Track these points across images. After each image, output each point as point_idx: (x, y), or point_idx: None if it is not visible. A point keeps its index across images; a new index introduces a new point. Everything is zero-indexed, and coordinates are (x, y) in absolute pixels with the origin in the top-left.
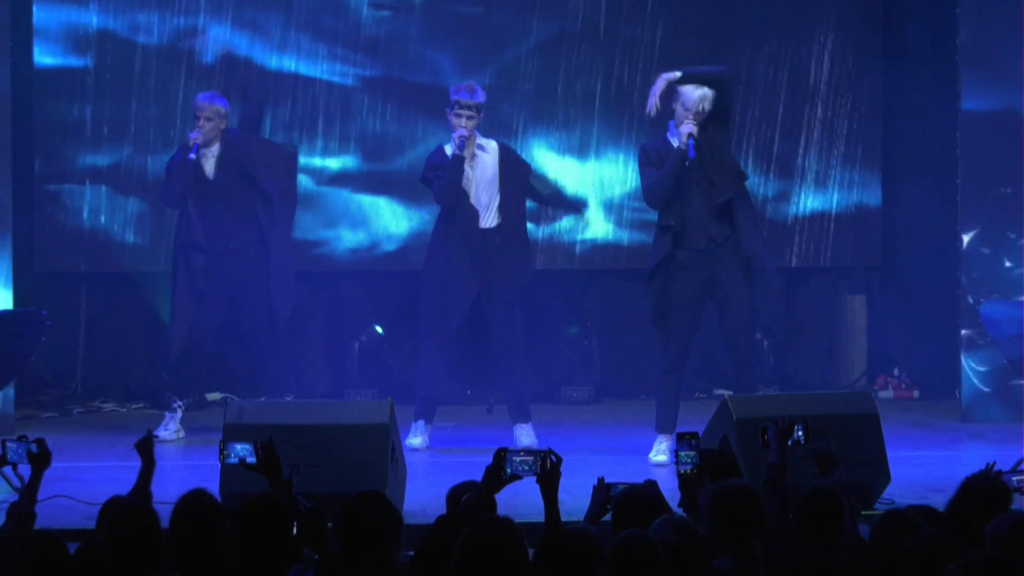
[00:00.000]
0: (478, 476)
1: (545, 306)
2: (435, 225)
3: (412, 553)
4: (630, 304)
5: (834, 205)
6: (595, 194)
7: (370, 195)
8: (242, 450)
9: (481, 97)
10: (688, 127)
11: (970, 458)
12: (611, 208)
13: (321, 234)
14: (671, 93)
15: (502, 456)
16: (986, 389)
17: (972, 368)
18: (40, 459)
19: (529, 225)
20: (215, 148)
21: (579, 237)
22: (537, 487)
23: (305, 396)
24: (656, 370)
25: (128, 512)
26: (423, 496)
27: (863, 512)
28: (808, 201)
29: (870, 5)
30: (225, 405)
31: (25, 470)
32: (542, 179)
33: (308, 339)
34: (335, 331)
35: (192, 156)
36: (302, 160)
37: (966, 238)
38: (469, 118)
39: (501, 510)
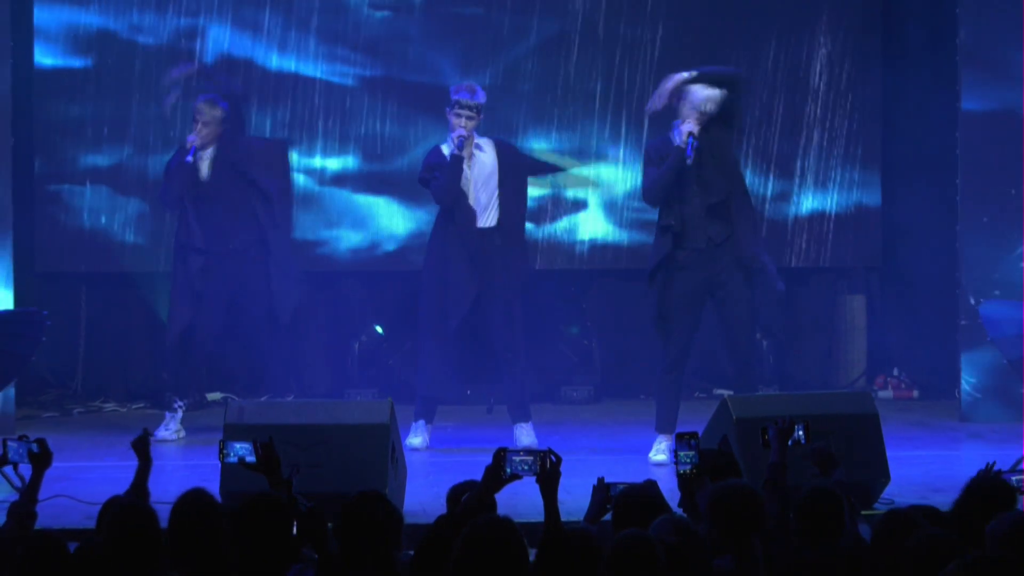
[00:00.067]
0: (478, 476)
1: (545, 306)
2: (434, 225)
3: (412, 553)
4: (630, 304)
5: (834, 205)
6: (595, 194)
7: (370, 195)
8: (241, 449)
9: (481, 98)
10: (689, 126)
11: (969, 458)
12: (611, 208)
13: (321, 234)
14: (679, 92)
15: (502, 456)
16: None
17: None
18: (41, 459)
19: (529, 225)
20: (210, 150)
21: (579, 237)
22: (537, 487)
23: (305, 396)
24: (656, 370)
25: (127, 512)
26: (423, 496)
27: (863, 512)
28: (808, 201)
29: (870, 5)
30: (225, 405)
31: (26, 470)
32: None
33: (308, 339)
34: (335, 331)
35: (189, 159)
36: (303, 160)
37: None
38: (469, 118)
39: (501, 510)
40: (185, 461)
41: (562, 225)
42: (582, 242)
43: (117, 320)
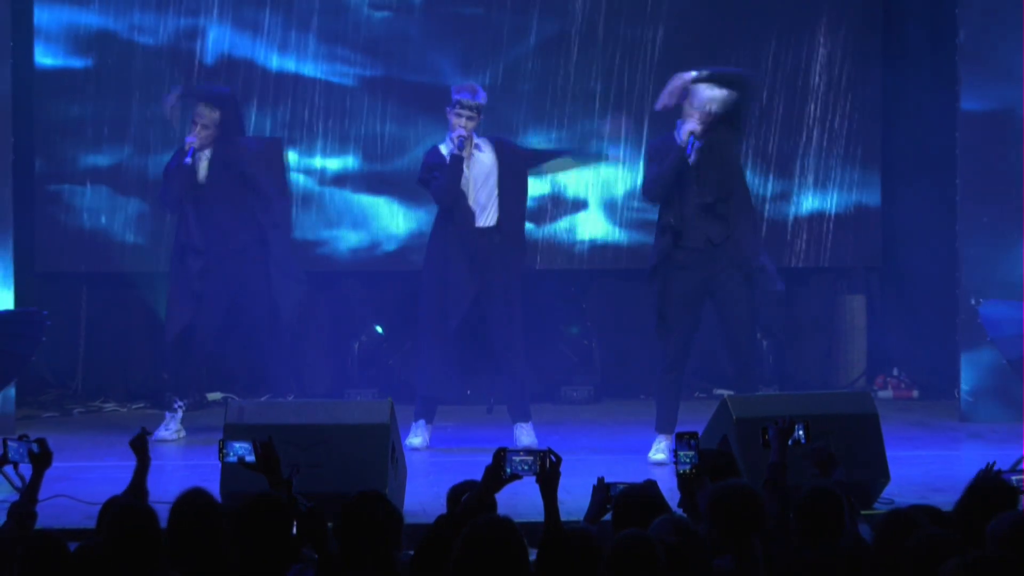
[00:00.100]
0: (478, 476)
1: (545, 306)
2: (433, 225)
3: (412, 553)
4: (630, 304)
5: (834, 205)
6: (595, 194)
7: (370, 195)
8: (241, 448)
9: (482, 99)
10: (691, 125)
11: (969, 458)
12: (611, 208)
13: (321, 234)
14: (686, 90)
15: (502, 456)
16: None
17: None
18: (41, 459)
19: (529, 225)
20: (208, 151)
21: (579, 237)
22: (537, 487)
23: (305, 396)
24: (656, 370)
25: (127, 512)
26: (423, 496)
27: (862, 512)
28: (808, 201)
29: (870, 5)
30: (226, 405)
31: (26, 469)
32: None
33: (308, 339)
34: (335, 331)
35: (187, 161)
36: (303, 160)
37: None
38: (469, 118)
39: (501, 510)
40: (185, 461)
41: (562, 225)
42: (582, 242)
43: (117, 320)
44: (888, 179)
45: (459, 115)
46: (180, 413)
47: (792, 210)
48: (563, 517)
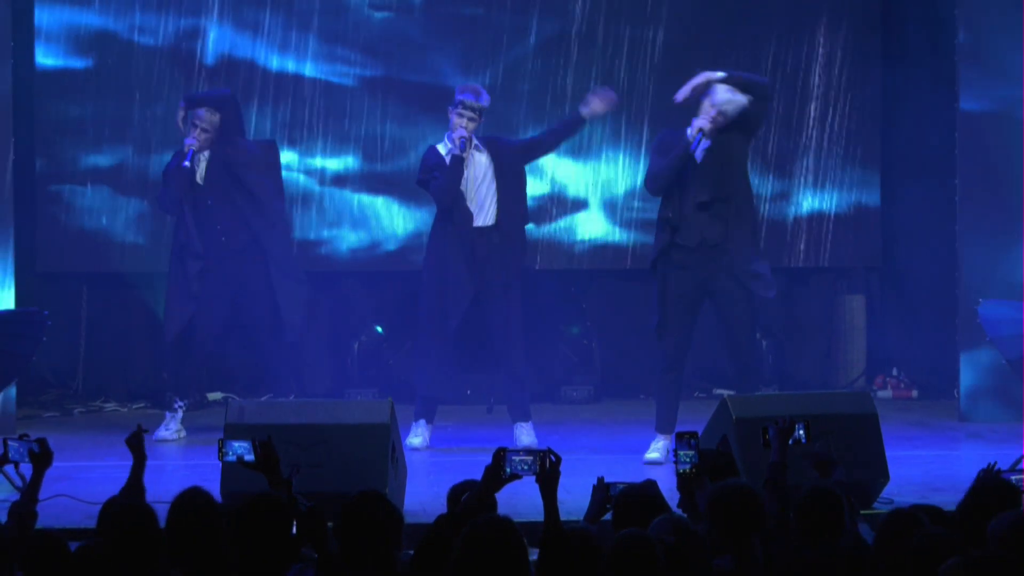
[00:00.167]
0: (478, 475)
1: (545, 306)
2: (432, 225)
3: (412, 552)
4: (630, 304)
5: (833, 205)
6: (595, 194)
7: (370, 195)
8: (240, 448)
9: (485, 101)
10: (702, 122)
11: (968, 458)
12: (611, 208)
13: (321, 234)
14: (706, 88)
15: (501, 455)
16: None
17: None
18: (41, 458)
19: (529, 225)
20: (207, 153)
21: (579, 237)
22: (537, 487)
23: (306, 396)
24: (656, 370)
25: (128, 512)
26: (423, 495)
27: (862, 512)
28: (807, 201)
29: (870, 6)
30: (226, 405)
31: (26, 469)
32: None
33: (308, 339)
34: (335, 331)
35: (186, 164)
36: (303, 160)
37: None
38: (471, 120)
39: (501, 510)
40: (186, 461)
41: (562, 225)
42: (582, 242)
43: (118, 320)
44: (888, 179)
45: (461, 115)
46: (180, 413)
47: (792, 210)
48: (563, 517)
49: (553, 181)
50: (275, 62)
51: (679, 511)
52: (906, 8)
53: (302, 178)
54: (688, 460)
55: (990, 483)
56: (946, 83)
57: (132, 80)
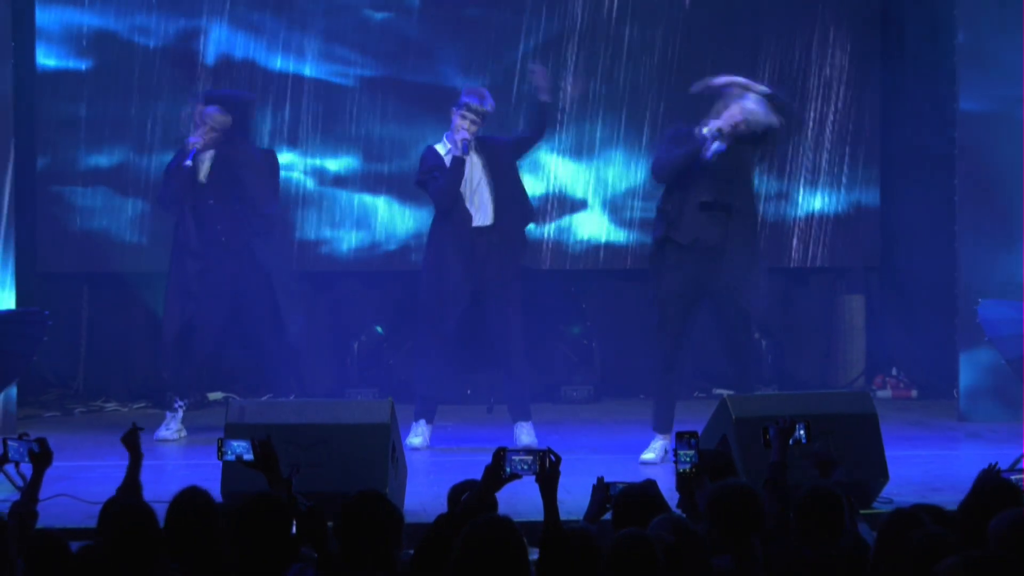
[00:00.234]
0: (478, 475)
1: (545, 306)
2: (431, 225)
3: (412, 552)
4: (630, 304)
5: (833, 205)
6: (595, 194)
7: (370, 195)
8: (239, 447)
9: (490, 106)
10: (723, 122)
11: (968, 457)
12: (611, 208)
13: (322, 234)
14: (742, 90)
15: (501, 455)
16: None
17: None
18: (41, 458)
19: (530, 225)
20: (210, 153)
21: (579, 237)
22: (537, 486)
23: (306, 395)
24: (655, 370)
25: (128, 512)
26: (424, 495)
27: (862, 512)
28: (807, 201)
29: (869, 6)
30: (226, 404)
31: (27, 469)
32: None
33: (308, 339)
34: (335, 331)
35: (188, 162)
36: (303, 160)
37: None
38: (473, 122)
39: (501, 510)
40: (186, 460)
41: (562, 225)
42: (582, 242)
43: (118, 320)
44: (887, 179)
45: (464, 117)
46: (181, 413)
47: (791, 210)
48: (563, 517)
49: (553, 181)
50: (276, 62)
51: (678, 511)
52: (905, 8)
53: (303, 178)
54: (688, 460)
55: (992, 483)
56: (945, 83)
57: (132, 80)
